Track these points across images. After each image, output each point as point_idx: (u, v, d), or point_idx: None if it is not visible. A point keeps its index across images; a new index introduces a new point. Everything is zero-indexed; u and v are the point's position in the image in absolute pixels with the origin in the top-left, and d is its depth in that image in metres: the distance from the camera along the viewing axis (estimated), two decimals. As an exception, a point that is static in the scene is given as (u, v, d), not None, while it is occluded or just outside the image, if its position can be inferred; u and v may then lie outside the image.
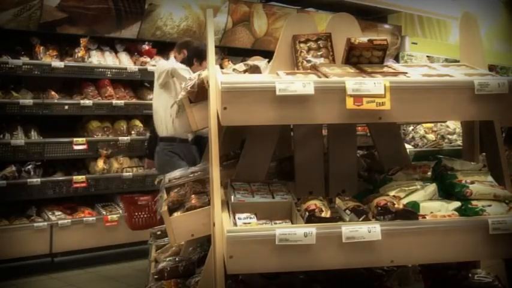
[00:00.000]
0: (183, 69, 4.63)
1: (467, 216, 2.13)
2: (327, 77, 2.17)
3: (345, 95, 2.01)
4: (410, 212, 2.07)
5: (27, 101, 5.16)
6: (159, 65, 4.99)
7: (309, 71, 2.35)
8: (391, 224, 2.02)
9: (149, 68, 5.84)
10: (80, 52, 5.49)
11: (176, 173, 2.96)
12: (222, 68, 3.05)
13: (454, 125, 6.59)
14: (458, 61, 2.63)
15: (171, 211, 2.57)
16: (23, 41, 5.40)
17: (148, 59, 5.96)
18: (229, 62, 6.33)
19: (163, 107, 4.64)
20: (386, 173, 2.43)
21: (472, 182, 2.22)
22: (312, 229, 1.97)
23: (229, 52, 6.76)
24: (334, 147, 2.57)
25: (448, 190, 2.27)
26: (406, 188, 2.25)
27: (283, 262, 1.98)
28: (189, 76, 3.00)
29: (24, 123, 5.34)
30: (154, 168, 5.11)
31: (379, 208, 2.07)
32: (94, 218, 5.45)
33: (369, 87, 2.03)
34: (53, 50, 5.46)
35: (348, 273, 2.35)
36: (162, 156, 4.77)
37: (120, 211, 5.67)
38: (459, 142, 6.16)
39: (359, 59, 2.41)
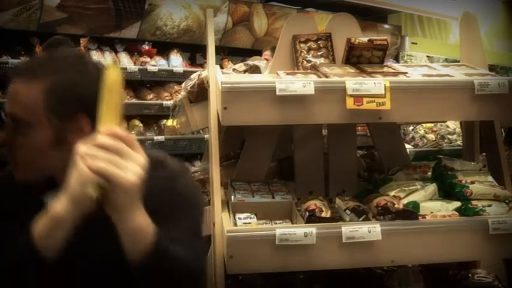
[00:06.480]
0: None
1: (467, 216, 2.13)
2: (327, 77, 2.17)
3: (345, 95, 2.01)
4: (410, 212, 2.07)
5: (27, 101, 5.14)
6: None
7: (309, 71, 2.35)
8: (391, 224, 2.02)
9: (149, 68, 5.83)
10: (80, 52, 5.49)
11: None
12: (222, 68, 3.05)
13: (454, 125, 6.58)
14: (458, 61, 2.62)
15: (171, 211, 2.56)
16: (23, 41, 5.39)
17: (148, 59, 5.95)
18: (229, 62, 6.33)
19: None
20: (387, 173, 2.42)
21: (472, 182, 2.21)
22: (312, 229, 1.96)
23: (229, 52, 6.75)
24: (334, 147, 2.57)
25: (448, 190, 2.27)
26: (406, 188, 2.24)
27: (283, 262, 1.97)
28: None
29: (24, 123, 5.33)
30: None
31: (379, 208, 2.06)
32: (94, 218, 5.45)
33: (369, 87, 2.02)
34: (53, 50, 5.46)
35: (347, 273, 2.35)
36: None
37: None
38: (459, 142, 6.15)
39: (359, 59, 2.41)
